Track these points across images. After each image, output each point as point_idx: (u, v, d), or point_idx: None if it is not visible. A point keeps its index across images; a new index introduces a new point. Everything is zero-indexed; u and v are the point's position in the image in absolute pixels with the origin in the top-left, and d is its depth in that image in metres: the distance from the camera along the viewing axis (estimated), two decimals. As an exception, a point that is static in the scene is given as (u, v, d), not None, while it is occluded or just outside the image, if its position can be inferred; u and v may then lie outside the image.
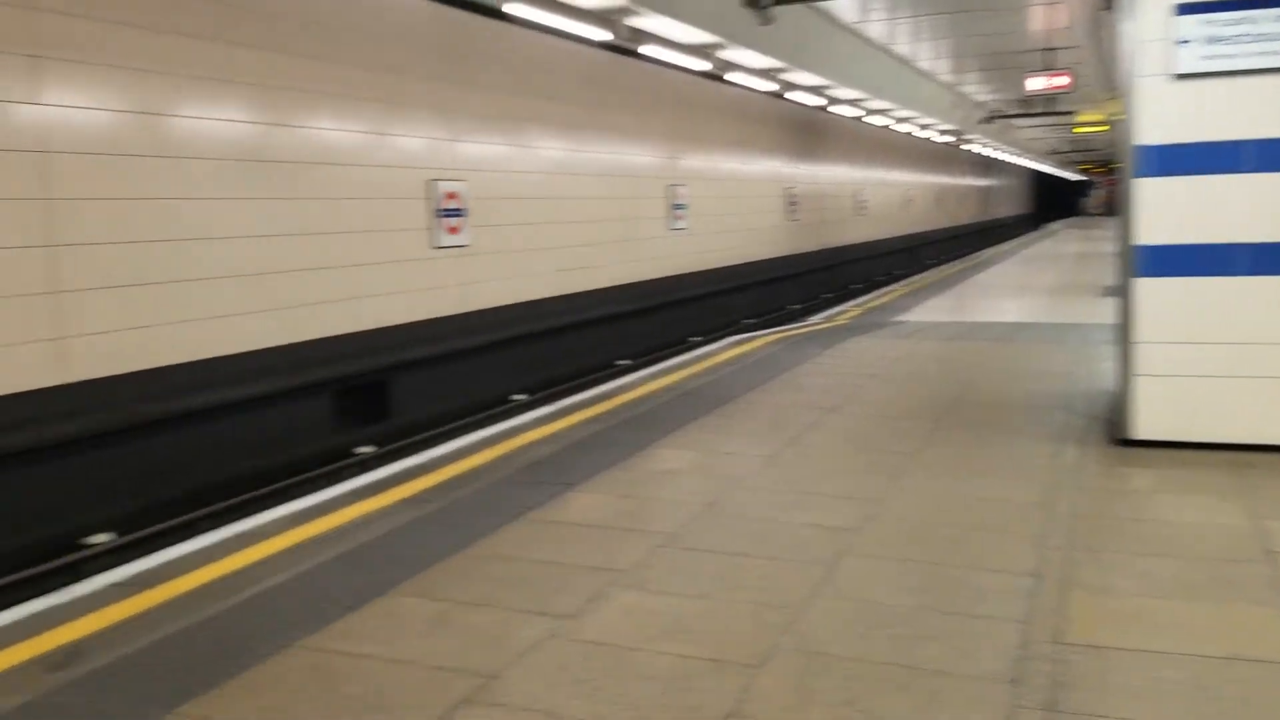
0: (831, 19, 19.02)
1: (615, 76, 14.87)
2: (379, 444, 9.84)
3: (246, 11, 8.71)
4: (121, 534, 7.25)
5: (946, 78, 29.21)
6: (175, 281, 8.02)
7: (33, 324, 6.97)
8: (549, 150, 13.23)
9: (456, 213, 11.32)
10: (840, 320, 14.19)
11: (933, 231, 37.18)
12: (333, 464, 9.23)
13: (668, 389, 9.01)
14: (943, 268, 25.99)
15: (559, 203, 13.44)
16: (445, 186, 11.13)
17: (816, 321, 14.25)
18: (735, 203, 19.33)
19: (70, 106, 7.26)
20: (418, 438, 10.05)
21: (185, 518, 7.67)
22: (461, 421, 10.80)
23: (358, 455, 9.56)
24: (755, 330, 13.83)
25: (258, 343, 8.79)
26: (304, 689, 3.44)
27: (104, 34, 7.49)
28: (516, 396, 12.09)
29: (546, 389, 12.44)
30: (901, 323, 13.61)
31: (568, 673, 3.55)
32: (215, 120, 8.43)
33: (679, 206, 16.87)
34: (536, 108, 12.94)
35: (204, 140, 8.32)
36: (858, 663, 3.58)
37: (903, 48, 23.57)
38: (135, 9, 7.72)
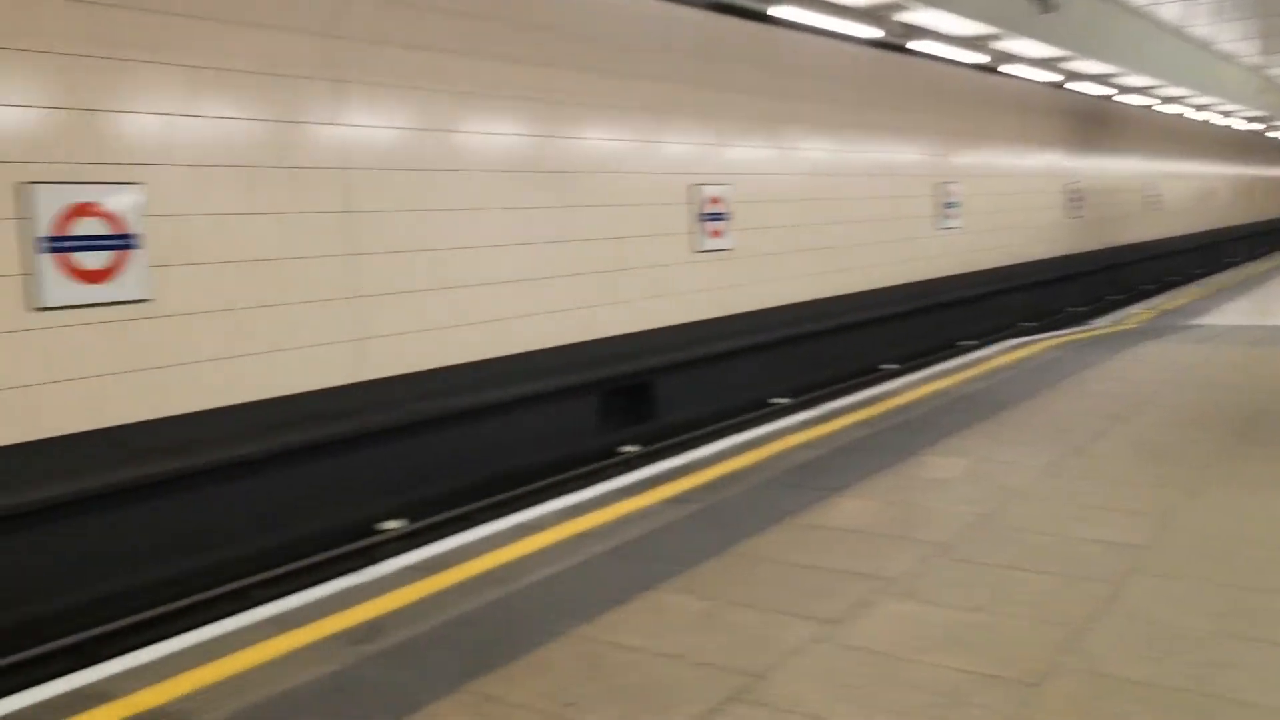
0: (1119, 2, 17.84)
1: (880, 73, 14.56)
2: (644, 443, 10.09)
3: (521, 29, 9.16)
4: (412, 521, 7.80)
5: (1253, 59, 26.70)
6: (457, 287, 8.54)
7: (339, 326, 7.62)
8: (812, 151, 13.13)
9: (719, 216, 11.44)
10: (1129, 324, 13.27)
11: (1235, 227, 34.08)
12: (599, 462, 9.54)
13: (938, 394, 8.72)
14: (1247, 266, 23.77)
15: (822, 204, 13.31)
16: (708, 191, 11.27)
17: (1102, 325, 13.39)
18: (1010, 199, 18.47)
19: (366, 126, 7.88)
20: (680, 439, 10.23)
21: (468, 508, 8.15)
22: (723, 424, 10.89)
23: (622, 454, 9.83)
24: (1034, 334, 13.15)
25: (531, 344, 9.22)
26: (578, 676, 3.58)
27: (396, 57, 8.09)
28: (778, 400, 12.06)
29: (809, 393, 12.34)
30: (1199, 326, 12.57)
31: (835, 678, 3.50)
32: (494, 134, 8.91)
33: (949, 205, 16.31)
34: (799, 109, 12.87)
35: (483, 153, 8.81)
36: (1148, 687, 3.33)
37: (1201, 29, 21.76)
38: (422, 33, 8.28)
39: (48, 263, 6.02)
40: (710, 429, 10.65)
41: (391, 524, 7.71)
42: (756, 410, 11.57)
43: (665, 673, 3.59)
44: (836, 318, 13.43)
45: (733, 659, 3.67)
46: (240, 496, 7.05)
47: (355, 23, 7.76)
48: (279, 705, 3.43)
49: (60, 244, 6.06)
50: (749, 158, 12.00)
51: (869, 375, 13.32)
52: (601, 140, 10.02)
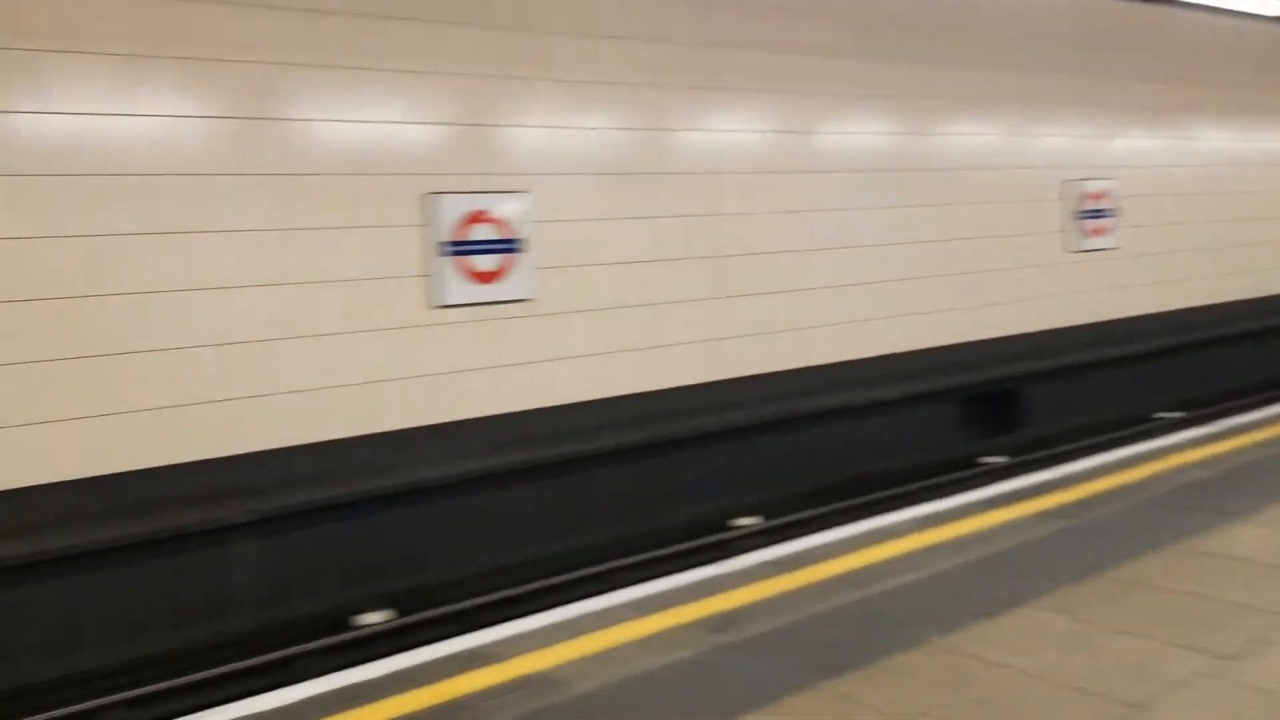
0: None
1: (1290, 52, 12.96)
2: (1009, 454, 9.60)
3: (882, 26, 8.99)
4: (767, 519, 7.89)
5: None
6: (817, 288, 8.54)
7: (699, 326, 7.86)
8: (1207, 141, 11.91)
9: (1102, 213, 10.65)
10: None
11: None
12: (957, 471, 9.18)
13: (1360, 412, 7.65)
14: None
15: (1218, 199, 12.03)
16: (1087, 186, 10.53)
17: None
18: None
19: (731, 130, 8.07)
20: (1048, 452, 9.62)
21: (823, 509, 8.13)
22: (1098, 438, 10.12)
23: (984, 464, 9.41)
24: None
25: (889, 347, 9.04)
26: (936, 685, 3.46)
27: (760, 62, 8.21)
28: (1164, 414, 11.04)
29: (1200, 407, 11.19)
30: None
31: (1226, 716, 3.16)
32: (855, 134, 8.83)
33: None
34: (1192, 95, 11.71)
35: (844, 153, 8.75)
36: None
37: None
38: (785, 36, 8.35)
39: (447, 265, 6.67)
40: (1083, 443, 9.95)
41: (746, 520, 7.84)
42: (1138, 424, 10.66)
43: (1032, 693, 3.39)
44: (1235, 325, 12.09)
45: (1108, 685, 3.41)
46: (603, 485, 7.45)
47: (720, 30, 7.97)
48: (644, 682, 3.59)
49: (458, 248, 6.70)
50: (1133, 149, 11.10)
51: (1277, 390, 11.89)
52: (967, 136, 9.66)
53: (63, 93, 5.41)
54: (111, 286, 5.54)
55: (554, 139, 7.17)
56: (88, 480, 5.49)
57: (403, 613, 6.23)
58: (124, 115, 5.58)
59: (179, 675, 5.45)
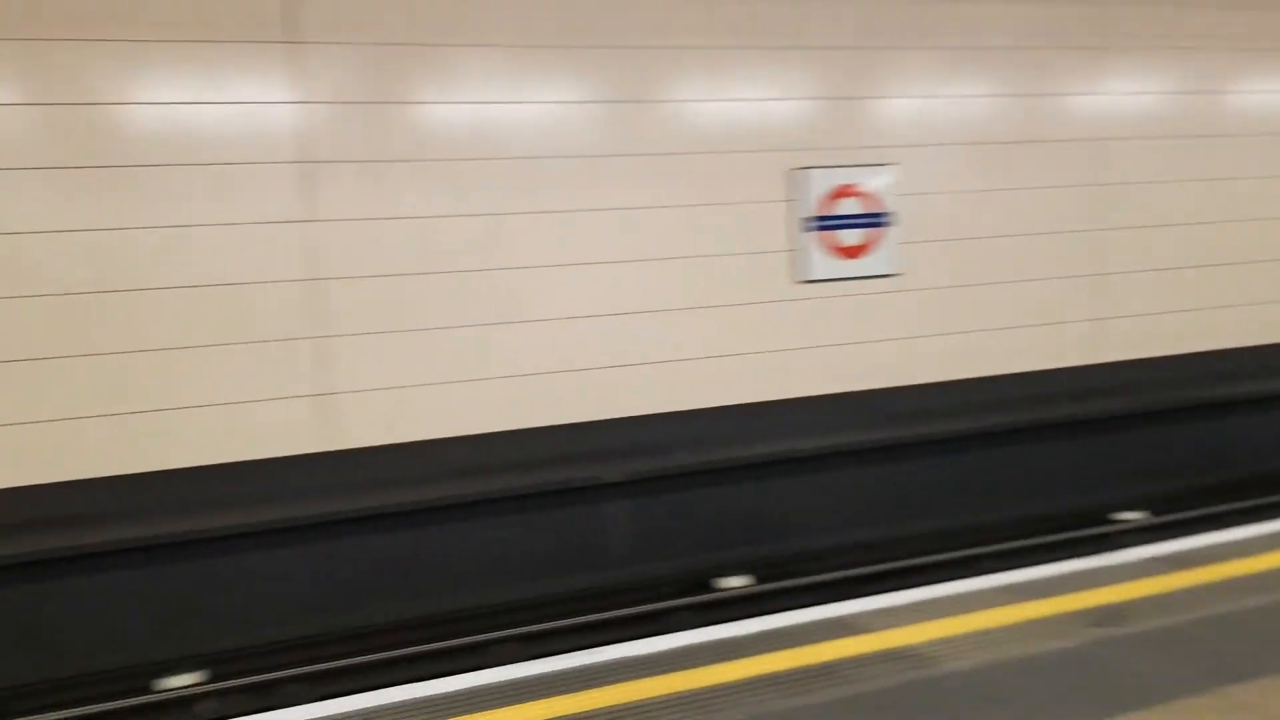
0: None
1: None
2: None
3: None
4: (1154, 514, 7.29)
5: None
6: (1217, 265, 7.76)
7: (1079, 304, 7.37)
8: None
9: None
10: None
11: None
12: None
13: None
14: None
15: None
16: None
17: None
18: None
19: (1120, 94, 7.45)
20: None
21: (1220, 508, 7.39)
22: None
23: None
24: None
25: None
26: (1366, 707, 3.07)
27: (1163, 16, 7.51)
28: None
29: None
30: None
31: None
32: (1268, 94, 7.89)
33: None
34: None
35: (1253, 116, 7.85)
36: None
37: None
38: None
39: (812, 240, 6.69)
40: None
41: (1130, 514, 7.30)
42: None
43: None
44: None
45: None
46: (968, 468, 7.19)
47: (1114, -16, 7.40)
48: (1019, 667, 3.45)
49: (823, 223, 6.70)
50: None
51: None
52: None
53: (462, 83, 5.94)
54: (499, 261, 6.04)
55: (925, 109, 6.97)
56: (476, 437, 6.04)
57: (759, 579, 6.37)
58: (513, 103, 6.04)
59: (561, 618, 5.91)
